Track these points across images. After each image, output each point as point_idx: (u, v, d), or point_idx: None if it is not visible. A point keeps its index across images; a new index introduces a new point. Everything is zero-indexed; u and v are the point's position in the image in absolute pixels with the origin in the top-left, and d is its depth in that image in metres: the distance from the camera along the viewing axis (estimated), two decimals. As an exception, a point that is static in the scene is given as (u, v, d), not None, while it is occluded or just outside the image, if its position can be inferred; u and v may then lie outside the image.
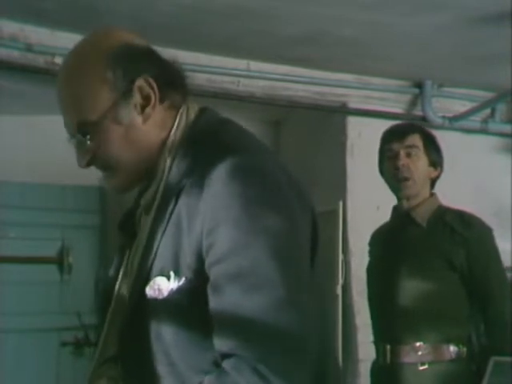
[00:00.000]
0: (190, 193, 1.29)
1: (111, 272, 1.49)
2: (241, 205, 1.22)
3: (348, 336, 4.13)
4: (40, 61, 3.55)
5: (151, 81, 1.37)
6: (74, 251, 4.15)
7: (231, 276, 1.20)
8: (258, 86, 4.08)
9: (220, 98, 3.94)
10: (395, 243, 2.67)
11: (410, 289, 2.58)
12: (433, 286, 2.57)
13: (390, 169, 2.65)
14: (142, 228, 1.42)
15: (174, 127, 1.39)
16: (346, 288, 4.16)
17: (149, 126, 1.38)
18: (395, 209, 2.73)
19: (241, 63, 3.99)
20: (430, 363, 2.52)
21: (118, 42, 1.38)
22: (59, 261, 4.07)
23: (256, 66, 4.03)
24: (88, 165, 1.38)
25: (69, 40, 3.45)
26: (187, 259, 1.26)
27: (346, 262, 4.18)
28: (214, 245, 1.23)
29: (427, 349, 2.53)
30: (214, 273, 1.23)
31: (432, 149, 2.67)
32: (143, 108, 1.37)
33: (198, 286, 1.25)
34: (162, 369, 1.29)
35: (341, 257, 4.17)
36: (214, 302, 1.22)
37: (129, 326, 1.33)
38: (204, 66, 3.82)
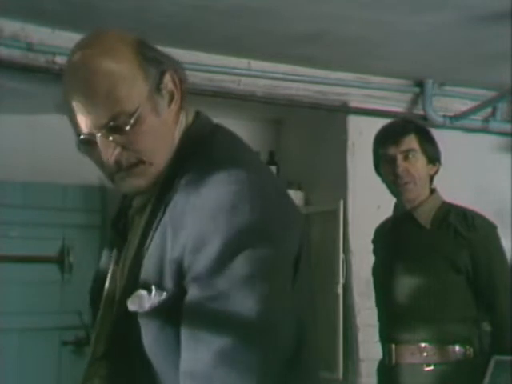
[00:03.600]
0: (175, 205, 1.28)
1: (100, 271, 1.48)
2: (227, 227, 1.21)
3: (349, 335, 4.13)
4: (41, 60, 3.55)
5: (175, 77, 1.35)
6: (75, 251, 4.16)
7: (207, 297, 1.20)
8: (258, 85, 4.07)
9: (221, 97, 3.94)
10: (399, 244, 2.65)
11: (415, 290, 2.57)
12: (437, 287, 2.56)
13: (389, 174, 2.61)
14: (134, 230, 1.40)
15: (176, 132, 1.37)
16: (347, 287, 4.15)
17: (171, 121, 1.35)
18: (396, 207, 2.71)
19: (242, 62, 3.99)
20: (435, 364, 2.51)
21: (135, 37, 1.34)
22: (60, 260, 4.08)
23: (257, 64, 4.03)
24: (116, 162, 1.30)
25: (70, 39, 3.44)
26: (168, 271, 1.25)
27: (347, 262, 4.18)
28: (195, 262, 1.22)
29: (433, 350, 2.52)
30: (191, 290, 1.23)
31: (428, 146, 2.63)
32: (169, 102, 1.34)
33: (177, 300, 1.24)
34: (148, 370, 1.29)
35: (341, 256, 4.17)
36: (186, 322, 1.23)
37: (117, 331, 1.33)
38: (205, 65, 3.82)
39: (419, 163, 2.59)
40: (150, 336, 1.28)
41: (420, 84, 4.35)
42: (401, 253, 2.64)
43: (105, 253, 1.50)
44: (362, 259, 3.94)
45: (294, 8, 3.26)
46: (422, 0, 3.16)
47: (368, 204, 4.05)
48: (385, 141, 2.63)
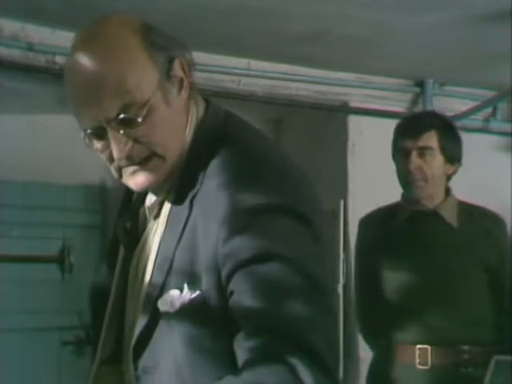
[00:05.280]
0: (206, 195, 1.22)
1: (104, 271, 1.44)
2: (258, 211, 1.17)
3: (348, 335, 4.12)
4: (41, 60, 3.55)
5: (184, 63, 1.29)
6: (76, 250, 4.14)
7: (253, 285, 1.15)
8: (258, 85, 4.07)
9: (221, 97, 3.94)
10: (423, 242, 2.55)
11: (447, 290, 2.49)
12: (467, 287, 2.52)
13: (403, 168, 2.54)
14: (148, 232, 1.35)
15: (188, 126, 1.31)
16: (347, 287, 4.15)
17: (181, 110, 1.30)
18: (406, 199, 2.60)
19: (241, 62, 3.98)
20: (473, 366, 2.46)
21: (140, 22, 1.29)
22: (60, 260, 4.06)
23: (257, 64, 4.02)
24: (128, 156, 1.23)
25: (70, 39, 3.45)
26: (203, 266, 1.20)
27: (347, 261, 4.17)
28: (231, 254, 1.16)
29: (471, 352, 2.46)
30: (235, 280, 1.17)
31: (449, 145, 2.54)
32: (179, 90, 1.28)
33: (212, 297, 1.19)
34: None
35: (342, 256, 4.17)
36: (237, 311, 1.16)
37: (143, 338, 1.27)
38: (204, 65, 3.81)
39: (435, 162, 2.52)
40: (178, 337, 1.22)
41: (420, 84, 4.35)
42: (424, 251, 2.54)
43: (106, 256, 1.46)
44: (362, 259, 3.94)
45: (294, 8, 3.25)
46: (421, 0, 3.16)
47: (368, 204, 4.03)
48: (404, 133, 2.55)
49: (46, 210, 4.43)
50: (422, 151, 2.50)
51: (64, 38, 3.44)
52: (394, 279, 2.58)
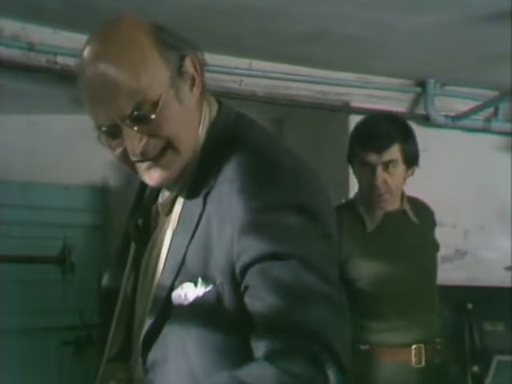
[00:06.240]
0: (221, 197, 1.24)
1: (115, 268, 1.46)
2: (270, 210, 1.19)
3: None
4: (42, 60, 3.54)
5: (195, 61, 1.33)
6: (76, 251, 4.14)
7: (270, 281, 1.16)
8: (259, 85, 4.07)
9: (222, 97, 3.92)
10: (398, 245, 2.58)
11: (426, 287, 2.58)
12: (434, 280, 2.64)
13: (366, 181, 2.54)
14: (160, 228, 1.37)
15: (201, 124, 1.34)
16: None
17: (194, 108, 1.32)
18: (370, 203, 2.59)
19: (243, 62, 3.99)
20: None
21: (150, 22, 1.32)
22: (61, 260, 4.07)
23: (258, 64, 4.02)
24: (142, 152, 1.26)
25: (71, 39, 3.47)
26: (217, 264, 1.22)
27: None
28: (246, 249, 1.18)
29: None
30: (250, 276, 1.18)
31: (410, 152, 2.53)
32: (191, 87, 1.32)
33: (225, 293, 1.21)
34: (182, 380, 1.25)
35: (343, 256, 4.16)
36: (256, 306, 1.17)
37: (153, 333, 1.29)
38: (206, 65, 3.81)
39: (398, 171, 2.51)
40: (189, 330, 1.24)
41: (422, 84, 4.35)
42: (404, 252, 2.57)
43: (117, 252, 1.48)
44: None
45: (295, 8, 3.25)
46: (421, 0, 3.16)
47: (369, 204, 4.04)
48: (366, 146, 2.52)
49: (47, 210, 4.44)
50: (387, 164, 2.49)
51: (65, 38, 3.45)
52: (374, 279, 2.54)
